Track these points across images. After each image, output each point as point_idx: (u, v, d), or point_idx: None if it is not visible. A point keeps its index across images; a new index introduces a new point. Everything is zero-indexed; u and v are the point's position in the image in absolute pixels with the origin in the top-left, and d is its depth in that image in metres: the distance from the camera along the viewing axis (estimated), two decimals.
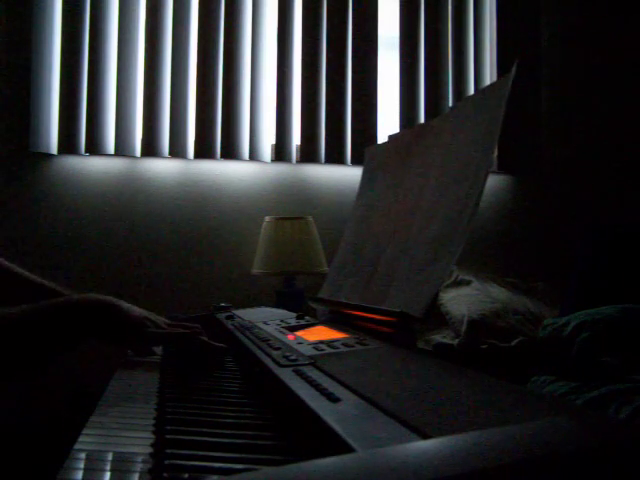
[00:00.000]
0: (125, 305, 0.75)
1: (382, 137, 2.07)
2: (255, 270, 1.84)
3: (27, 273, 0.95)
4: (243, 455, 0.40)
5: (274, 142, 2.01)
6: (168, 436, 0.43)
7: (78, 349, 0.71)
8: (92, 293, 0.78)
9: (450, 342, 1.43)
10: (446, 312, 1.53)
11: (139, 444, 0.42)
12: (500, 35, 2.14)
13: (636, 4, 2.26)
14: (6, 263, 0.92)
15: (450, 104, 2.10)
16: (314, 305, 0.98)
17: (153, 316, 0.78)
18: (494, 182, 2.16)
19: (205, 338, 0.75)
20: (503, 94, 0.68)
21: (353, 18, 2.05)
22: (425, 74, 2.09)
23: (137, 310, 0.76)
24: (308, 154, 2.01)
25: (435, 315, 1.53)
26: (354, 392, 0.42)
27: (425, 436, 0.31)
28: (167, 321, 0.80)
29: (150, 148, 1.92)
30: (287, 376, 0.49)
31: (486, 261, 2.01)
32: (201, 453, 0.40)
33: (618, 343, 1.08)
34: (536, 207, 2.20)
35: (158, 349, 0.83)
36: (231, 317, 0.98)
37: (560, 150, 2.21)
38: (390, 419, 0.35)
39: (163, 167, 1.99)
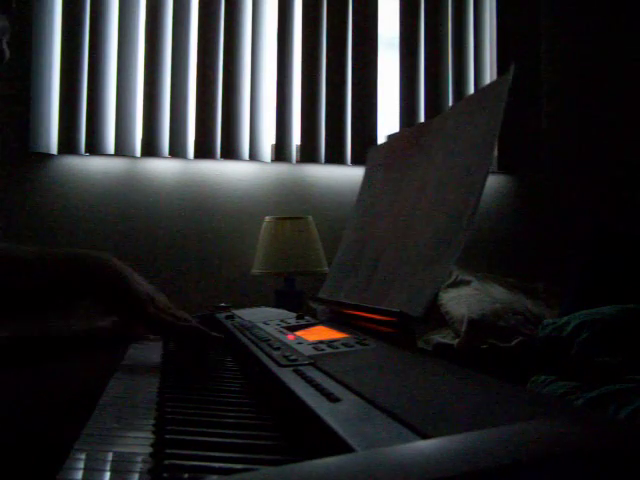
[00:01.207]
0: (134, 277, 0.72)
1: (382, 137, 2.07)
2: (255, 270, 1.84)
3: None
4: (243, 455, 0.40)
5: (274, 142, 2.01)
6: (168, 436, 0.43)
7: (73, 348, 0.70)
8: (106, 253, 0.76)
9: (450, 342, 1.43)
10: (446, 312, 1.54)
11: (139, 444, 0.42)
12: (500, 35, 2.15)
13: (636, 4, 2.26)
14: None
15: (450, 104, 2.10)
16: (314, 305, 0.98)
17: (159, 296, 0.76)
18: (494, 182, 2.16)
19: (204, 328, 0.75)
20: (502, 94, 0.68)
21: (353, 18, 2.05)
22: (425, 74, 2.09)
23: (145, 286, 0.73)
24: (308, 154, 2.01)
25: (435, 315, 1.53)
26: (354, 392, 0.42)
27: (425, 436, 0.31)
28: (170, 306, 0.78)
29: (150, 148, 1.92)
30: (287, 376, 0.49)
31: (486, 261, 2.01)
32: (201, 453, 0.40)
33: (618, 343, 1.08)
34: (536, 207, 2.20)
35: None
36: (231, 317, 0.98)
37: (560, 150, 2.21)
38: (390, 419, 0.35)
39: (163, 167, 1.99)
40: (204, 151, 1.95)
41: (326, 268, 1.79)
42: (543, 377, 1.12)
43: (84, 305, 0.72)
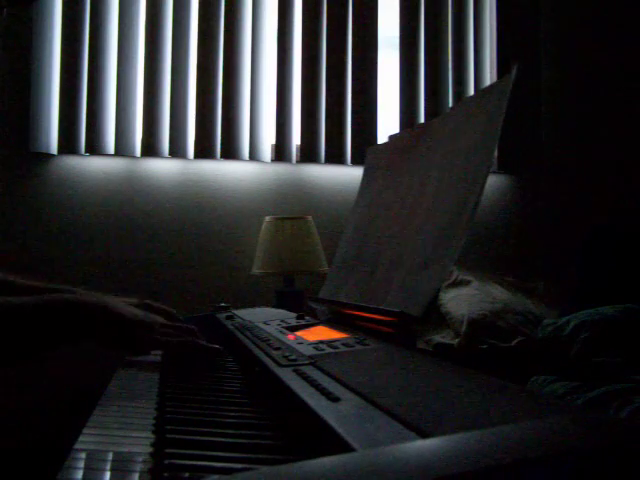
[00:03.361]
0: (117, 307, 0.73)
1: (382, 137, 2.07)
2: (255, 270, 1.84)
3: (27, 282, 0.93)
4: (243, 455, 0.40)
5: (274, 142, 2.01)
6: (168, 436, 0.43)
7: (73, 348, 0.71)
8: (82, 291, 0.77)
9: (450, 342, 1.43)
10: (446, 312, 1.53)
11: (139, 444, 0.42)
12: (500, 35, 2.14)
13: (636, 4, 2.26)
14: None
15: (450, 104, 2.10)
16: (314, 305, 0.98)
17: (147, 317, 0.76)
18: (494, 182, 2.16)
19: (199, 340, 0.75)
20: (504, 95, 0.68)
21: (353, 18, 2.05)
22: (425, 74, 2.09)
23: (130, 312, 0.74)
24: (308, 154, 2.01)
25: (435, 315, 1.53)
26: (354, 392, 0.42)
27: (425, 436, 0.31)
28: (162, 321, 0.79)
29: (150, 148, 1.92)
30: (287, 376, 0.49)
31: (486, 261, 2.01)
32: (201, 453, 0.40)
33: (618, 343, 1.08)
34: (536, 207, 2.20)
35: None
36: (231, 317, 0.98)
37: (560, 150, 2.21)
38: (390, 419, 0.35)
39: (163, 167, 1.99)
40: (204, 151, 1.95)
41: (326, 268, 1.79)
42: (543, 377, 1.12)
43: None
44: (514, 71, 0.68)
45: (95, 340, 0.72)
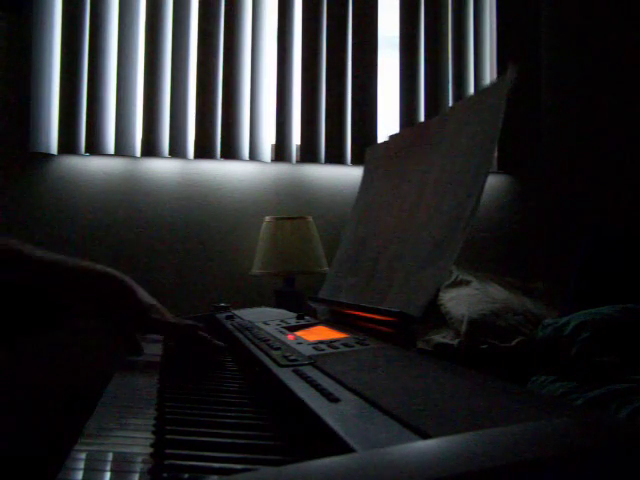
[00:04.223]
0: (138, 290, 0.77)
1: (382, 137, 2.07)
2: (255, 270, 1.84)
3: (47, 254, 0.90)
4: (243, 455, 0.40)
5: (274, 142, 2.01)
6: (168, 436, 0.43)
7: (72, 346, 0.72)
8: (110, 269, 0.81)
9: (450, 342, 1.43)
10: (446, 312, 1.53)
11: (139, 444, 0.42)
12: (500, 35, 2.15)
13: (636, 4, 2.26)
14: (18, 247, 0.86)
15: (450, 104, 2.10)
16: (314, 305, 0.98)
17: (160, 306, 0.78)
18: (494, 182, 2.16)
19: (206, 335, 0.75)
20: (502, 94, 0.68)
21: (353, 18, 2.05)
22: (425, 74, 2.09)
23: (147, 297, 0.78)
24: (308, 154, 2.01)
25: (435, 315, 1.53)
26: (354, 392, 0.42)
27: (425, 436, 0.31)
28: (171, 315, 0.79)
29: (150, 148, 1.92)
30: (287, 376, 0.49)
31: (486, 261, 2.01)
32: (201, 453, 0.40)
33: (618, 343, 1.08)
34: (536, 207, 2.20)
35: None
36: (231, 317, 0.98)
37: (560, 150, 2.21)
38: (390, 419, 0.35)
39: (163, 167, 1.99)
40: (204, 151, 1.95)
41: (326, 268, 1.79)
42: (543, 377, 1.12)
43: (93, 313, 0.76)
44: (510, 72, 0.68)
45: (108, 315, 0.75)
